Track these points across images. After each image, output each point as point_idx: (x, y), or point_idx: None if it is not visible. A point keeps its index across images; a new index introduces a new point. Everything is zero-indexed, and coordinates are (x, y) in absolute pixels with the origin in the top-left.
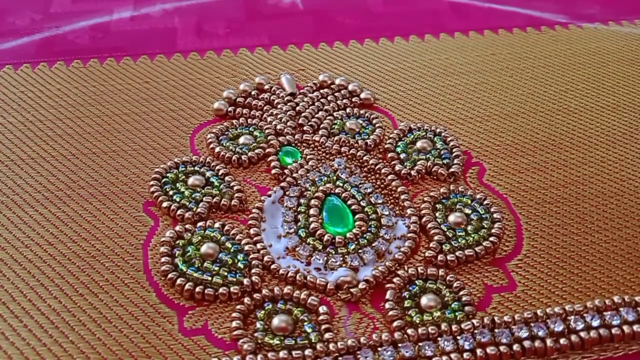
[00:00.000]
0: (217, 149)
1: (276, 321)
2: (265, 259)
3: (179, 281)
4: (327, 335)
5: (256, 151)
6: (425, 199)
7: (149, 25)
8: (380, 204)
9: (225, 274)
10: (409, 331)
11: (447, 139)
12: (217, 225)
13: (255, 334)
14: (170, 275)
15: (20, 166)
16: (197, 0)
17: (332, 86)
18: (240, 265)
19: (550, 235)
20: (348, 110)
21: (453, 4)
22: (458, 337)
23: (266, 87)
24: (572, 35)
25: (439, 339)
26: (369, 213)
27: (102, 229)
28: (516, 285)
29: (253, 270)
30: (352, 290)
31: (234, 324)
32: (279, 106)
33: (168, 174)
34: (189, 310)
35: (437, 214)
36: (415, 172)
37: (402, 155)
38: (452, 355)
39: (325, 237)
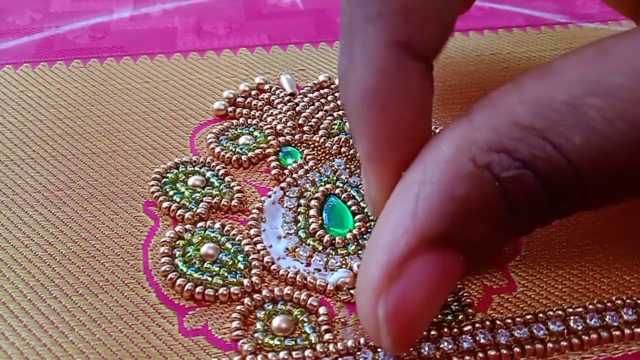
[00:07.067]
0: (217, 149)
1: (276, 322)
2: (265, 259)
3: (179, 281)
4: (327, 336)
5: (256, 151)
6: None
7: (149, 25)
8: None
9: (226, 274)
10: None
11: None
12: (217, 225)
13: (256, 335)
14: (170, 276)
15: (20, 166)
16: (197, 0)
17: (332, 86)
18: (240, 265)
19: (550, 236)
20: None
21: None
22: (457, 338)
23: (266, 87)
24: (572, 35)
25: (438, 339)
26: (369, 214)
27: (102, 229)
28: (516, 286)
29: (253, 271)
30: (352, 291)
31: (234, 324)
32: (278, 106)
33: (168, 174)
34: (189, 311)
35: None
36: None
37: None
38: (452, 356)
39: (326, 238)
